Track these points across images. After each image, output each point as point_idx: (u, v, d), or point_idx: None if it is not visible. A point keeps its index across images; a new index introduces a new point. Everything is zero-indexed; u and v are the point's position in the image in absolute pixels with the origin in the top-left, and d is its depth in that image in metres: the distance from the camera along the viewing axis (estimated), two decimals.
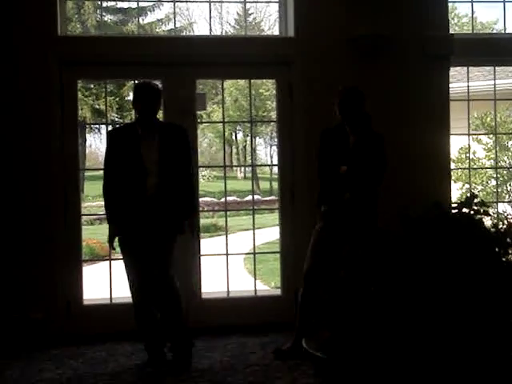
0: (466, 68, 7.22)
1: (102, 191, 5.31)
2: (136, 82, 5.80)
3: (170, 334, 5.34)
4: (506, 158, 11.13)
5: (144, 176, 5.15)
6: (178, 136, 5.33)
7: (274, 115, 5.47)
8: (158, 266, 5.20)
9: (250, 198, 17.58)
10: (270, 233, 13.07)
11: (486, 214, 3.11)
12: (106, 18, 26.60)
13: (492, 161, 10.73)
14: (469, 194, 3.26)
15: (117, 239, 5.31)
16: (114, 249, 5.35)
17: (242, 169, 35.37)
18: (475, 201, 3.16)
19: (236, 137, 35.13)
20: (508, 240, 3.14)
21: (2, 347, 5.82)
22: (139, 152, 5.19)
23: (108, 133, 5.55)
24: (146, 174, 5.15)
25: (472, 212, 3.12)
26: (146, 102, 5.21)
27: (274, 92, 5.58)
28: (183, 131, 5.41)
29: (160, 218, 5.18)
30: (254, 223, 6.86)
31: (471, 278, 2.83)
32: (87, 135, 29.93)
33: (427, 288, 2.84)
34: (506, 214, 8.64)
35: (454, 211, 3.18)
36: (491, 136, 10.84)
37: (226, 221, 7.34)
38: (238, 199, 22.22)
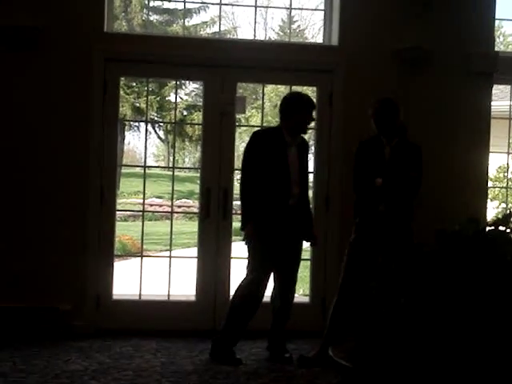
0: (509, 86, 7.15)
1: (241, 188, 5.46)
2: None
3: (272, 335, 5.65)
4: None
5: (288, 184, 5.38)
6: (306, 148, 5.67)
7: (312, 123, 5.46)
8: (289, 274, 5.56)
9: None
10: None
11: None
12: (151, 18, 26.78)
13: None
14: (507, 212, 3.23)
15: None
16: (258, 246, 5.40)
17: None
18: None
19: None
20: None
21: (31, 337, 5.91)
22: (286, 160, 5.40)
23: (254, 133, 5.66)
24: (290, 182, 5.39)
25: (508, 230, 3.09)
26: (305, 114, 5.43)
27: (314, 100, 5.60)
28: (308, 144, 5.77)
29: (296, 227, 5.46)
30: None
31: (504, 298, 2.80)
32: (126, 132, 30.16)
33: (458, 304, 2.82)
34: None
35: (489, 228, 3.15)
36: None
37: None
38: None
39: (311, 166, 6.28)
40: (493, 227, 3.16)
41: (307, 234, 5.61)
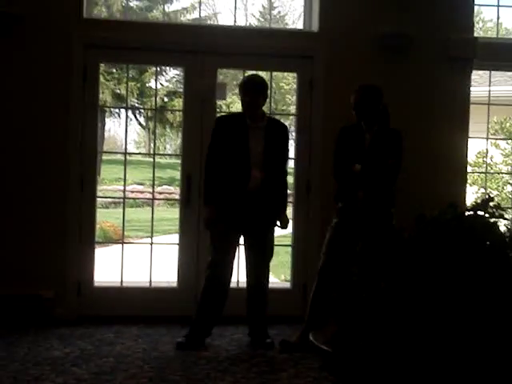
0: (488, 72, 7.19)
1: (205, 173, 5.49)
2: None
3: (252, 322, 5.62)
4: None
5: (248, 168, 5.31)
6: (281, 132, 5.53)
7: (293, 109, 5.46)
8: (255, 259, 5.49)
9: None
10: None
11: (502, 217, 3.10)
12: (131, 4, 26.56)
13: (509, 167, 10.70)
14: (486, 197, 3.25)
15: None
16: (215, 229, 5.44)
17: None
18: (491, 204, 3.16)
19: None
20: None
21: (12, 324, 5.89)
22: (247, 143, 5.34)
23: (217, 119, 5.69)
24: (250, 166, 5.32)
25: (487, 215, 3.11)
26: (252, 95, 5.36)
27: (295, 86, 5.60)
28: (285, 128, 5.62)
29: (259, 212, 5.37)
30: None
31: (483, 282, 2.84)
32: (106, 119, 29.99)
33: (437, 289, 2.85)
34: None
35: (468, 213, 3.18)
36: (510, 141, 10.81)
37: None
38: None
39: (292, 152, 6.29)
40: (472, 212, 3.18)
41: (274, 218, 5.53)
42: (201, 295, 5.51)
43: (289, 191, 5.78)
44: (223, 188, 5.37)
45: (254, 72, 6.14)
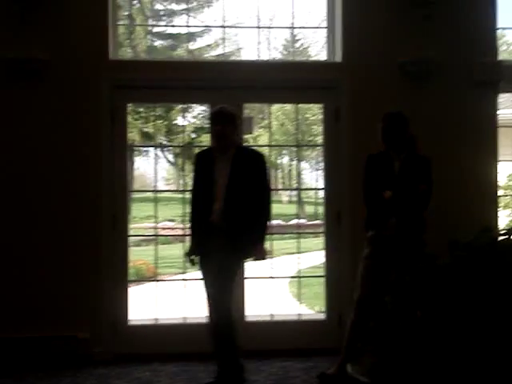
0: None
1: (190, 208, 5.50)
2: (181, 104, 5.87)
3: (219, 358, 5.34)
4: None
5: (211, 201, 5.25)
6: (251, 161, 5.32)
7: (319, 140, 5.50)
8: (216, 292, 5.25)
9: (295, 221, 17.55)
10: (314, 257, 13.02)
11: None
12: (156, 43, 26.96)
13: None
14: None
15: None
16: (193, 264, 5.43)
17: (288, 192, 35.29)
18: None
19: (282, 161, 35.18)
20: None
21: (50, 366, 5.92)
22: (211, 176, 5.30)
23: (195, 155, 5.65)
24: (213, 198, 5.24)
25: None
26: (221, 124, 5.28)
27: (321, 117, 5.62)
28: (257, 156, 5.41)
29: (222, 244, 5.20)
30: (299, 247, 6.84)
31: None
32: (135, 158, 30.26)
33: (473, 315, 2.82)
34: None
35: (501, 238, 3.15)
36: None
37: (271, 244, 7.33)
38: (283, 223, 22.25)
39: (321, 182, 6.27)
40: (505, 236, 3.15)
41: (241, 250, 5.28)
42: None
43: (318, 221, 5.75)
44: (195, 222, 5.39)
45: (280, 105, 6.18)
